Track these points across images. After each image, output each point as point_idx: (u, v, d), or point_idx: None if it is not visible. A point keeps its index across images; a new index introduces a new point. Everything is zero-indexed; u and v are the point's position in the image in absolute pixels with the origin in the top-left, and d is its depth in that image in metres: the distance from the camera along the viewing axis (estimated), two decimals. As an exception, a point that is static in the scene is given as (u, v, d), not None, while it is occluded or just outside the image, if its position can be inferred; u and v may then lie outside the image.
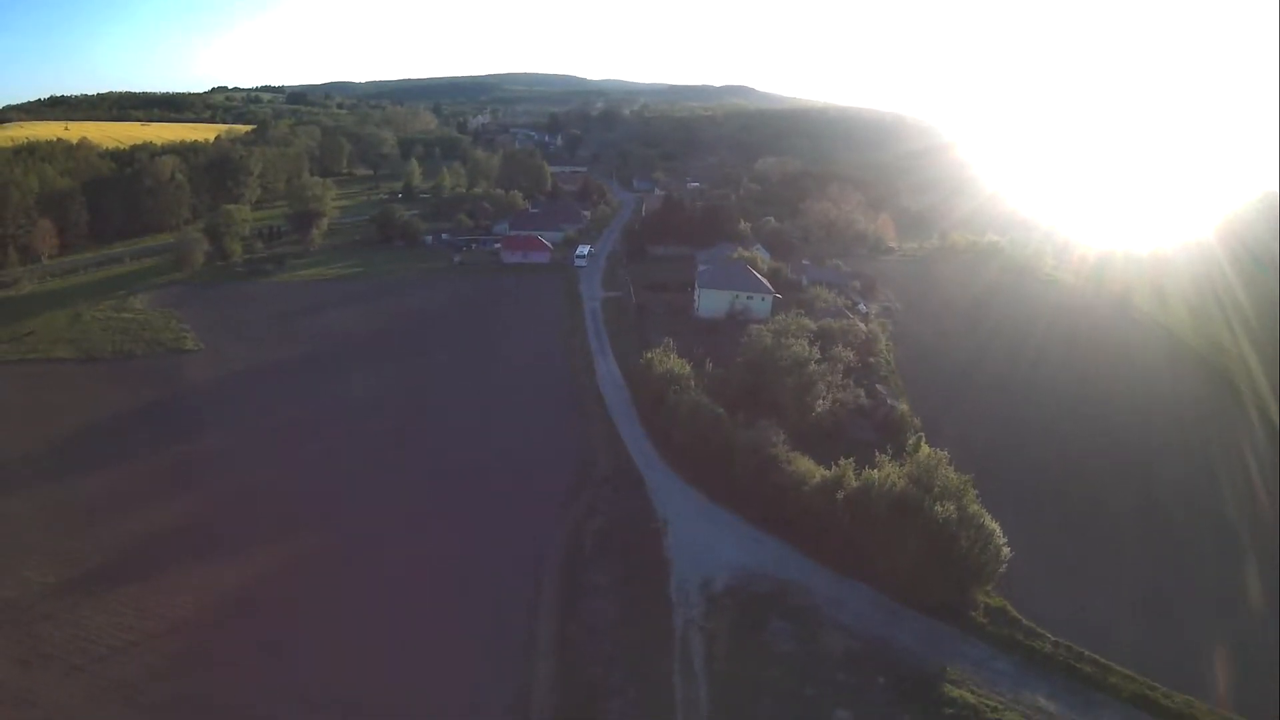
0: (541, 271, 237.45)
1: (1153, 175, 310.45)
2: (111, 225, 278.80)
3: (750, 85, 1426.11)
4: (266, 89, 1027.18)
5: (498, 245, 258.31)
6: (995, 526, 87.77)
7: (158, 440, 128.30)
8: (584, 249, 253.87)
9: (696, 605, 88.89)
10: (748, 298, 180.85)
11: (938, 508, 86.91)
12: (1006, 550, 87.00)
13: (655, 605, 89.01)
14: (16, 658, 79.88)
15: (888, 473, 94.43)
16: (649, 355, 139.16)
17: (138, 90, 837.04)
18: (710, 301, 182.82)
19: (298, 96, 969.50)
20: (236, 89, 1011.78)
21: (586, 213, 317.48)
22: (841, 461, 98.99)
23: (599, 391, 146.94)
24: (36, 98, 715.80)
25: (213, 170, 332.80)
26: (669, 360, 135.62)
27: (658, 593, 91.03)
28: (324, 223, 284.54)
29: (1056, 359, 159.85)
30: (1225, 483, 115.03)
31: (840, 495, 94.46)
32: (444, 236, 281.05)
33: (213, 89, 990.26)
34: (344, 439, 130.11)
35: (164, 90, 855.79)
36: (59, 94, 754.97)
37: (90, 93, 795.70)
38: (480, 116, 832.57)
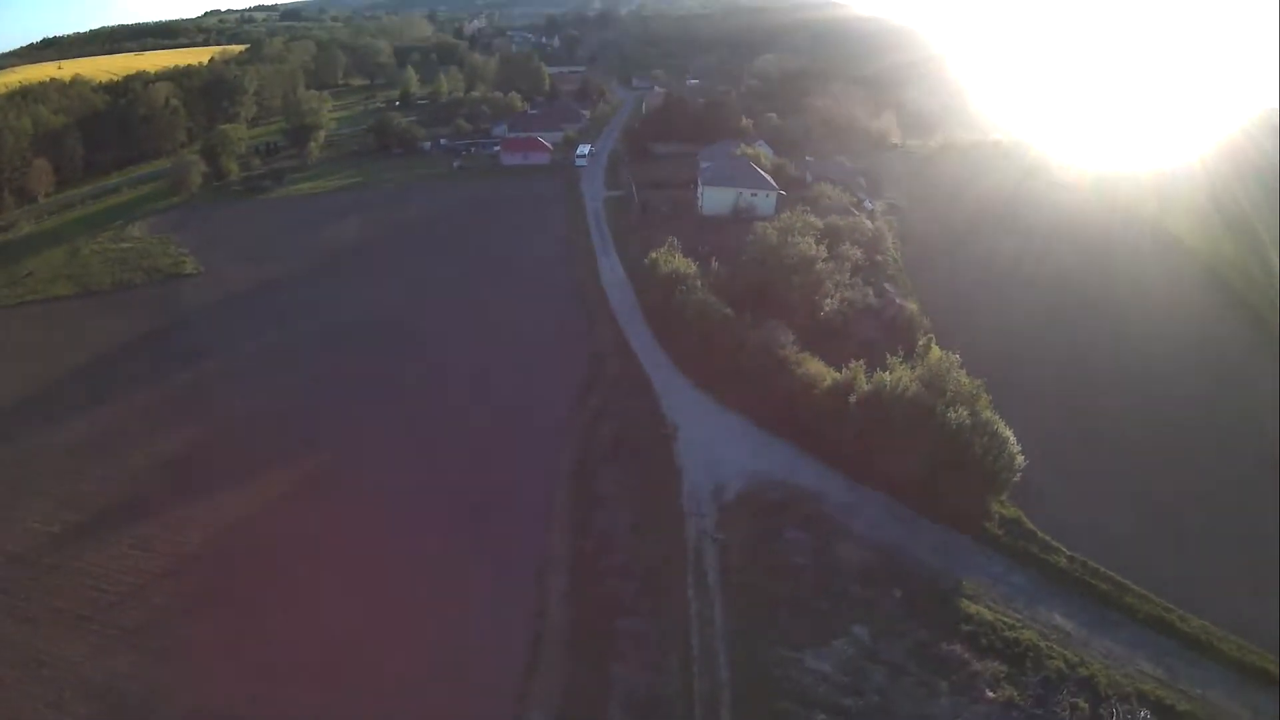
0: (542, 173, 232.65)
1: (1152, 90, 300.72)
2: (108, 157, 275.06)
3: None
4: (260, 8, 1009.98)
5: (497, 148, 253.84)
6: (1009, 434, 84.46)
7: (158, 371, 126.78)
8: (585, 148, 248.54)
9: (709, 515, 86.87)
10: (752, 194, 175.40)
11: (950, 413, 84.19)
12: (1021, 458, 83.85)
13: (667, 515, 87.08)
14: (25, 616, 78.20)
15: (899, 375, 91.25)
16: (654, 255, 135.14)
17: (130, 22, 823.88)
18: (714, 199, 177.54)
19: (292, 13, 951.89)
20: (230, 11, 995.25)
21: (586, 112, 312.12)
22: (853, 364, 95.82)
23: (604, 293, 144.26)
24: (29, 42, 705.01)
25: (208, 93, 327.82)
26: (674, 259, 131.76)
27: (669, 502, 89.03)
28: (321, 136, 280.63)
29: (1066, 261, 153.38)
30: (1236, 398, 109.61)
31: (852, 399, 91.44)
32: (442, 142, 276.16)
33: (206, 13, 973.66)
34: (346, 354, 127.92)
35: (158, 20, 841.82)
36: (51, 35, 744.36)
37: (82, 30, 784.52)
38: (476, 21, 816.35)
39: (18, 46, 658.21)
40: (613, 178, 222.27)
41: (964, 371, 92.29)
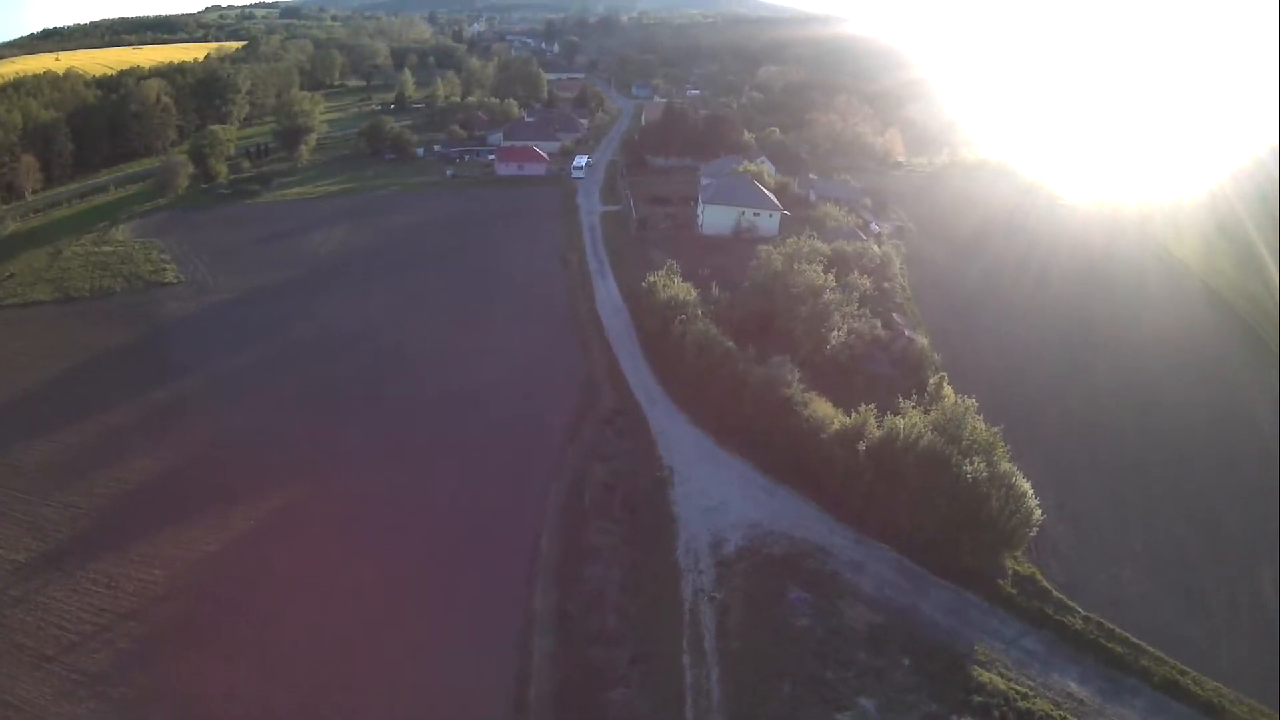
0: (538, 184, 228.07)
1: (1158, 115, 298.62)
2: (98, 154, 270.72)
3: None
4: (261, 4, 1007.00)
5: (492, 157, 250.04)
6: (1027, 487, 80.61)
7: (132, 387, 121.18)
8: (582, 160, 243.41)
9: (707, 571, 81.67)
10: (754, 214, 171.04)
11: (967, 465, 79.71)
12: (1039, 513, 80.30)
13: (662, 571, 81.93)
14: (-12, 652, 73.69)
15: (913, 421, 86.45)
16: (651, 279, 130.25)
17: (130, 15, 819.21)
18: (715, 218, 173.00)
19: (292, 10, 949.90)
20: (230, 7, 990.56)
21: (584, 121, 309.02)
22: (862, 408, 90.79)
23: (598, 316, 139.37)
24: (29, 33, 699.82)
25: (200, 90, 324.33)
26: (673, 285, 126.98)
27: (664, 556, 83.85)
28: (312, 138, 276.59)
29: (1073, 288, 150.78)
30: (1251, 436, 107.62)
31: (862, 447, 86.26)
32: (436, 148, 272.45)
33: (206, 8, 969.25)
34: (325, 376, 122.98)
35: (158, 14, 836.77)
36: (51, 26, 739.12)
37: (83, 22, 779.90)
38: (476, 24, 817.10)
39: (18, 37, 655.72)
40: (610, 191, 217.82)
41: (981, 417, 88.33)
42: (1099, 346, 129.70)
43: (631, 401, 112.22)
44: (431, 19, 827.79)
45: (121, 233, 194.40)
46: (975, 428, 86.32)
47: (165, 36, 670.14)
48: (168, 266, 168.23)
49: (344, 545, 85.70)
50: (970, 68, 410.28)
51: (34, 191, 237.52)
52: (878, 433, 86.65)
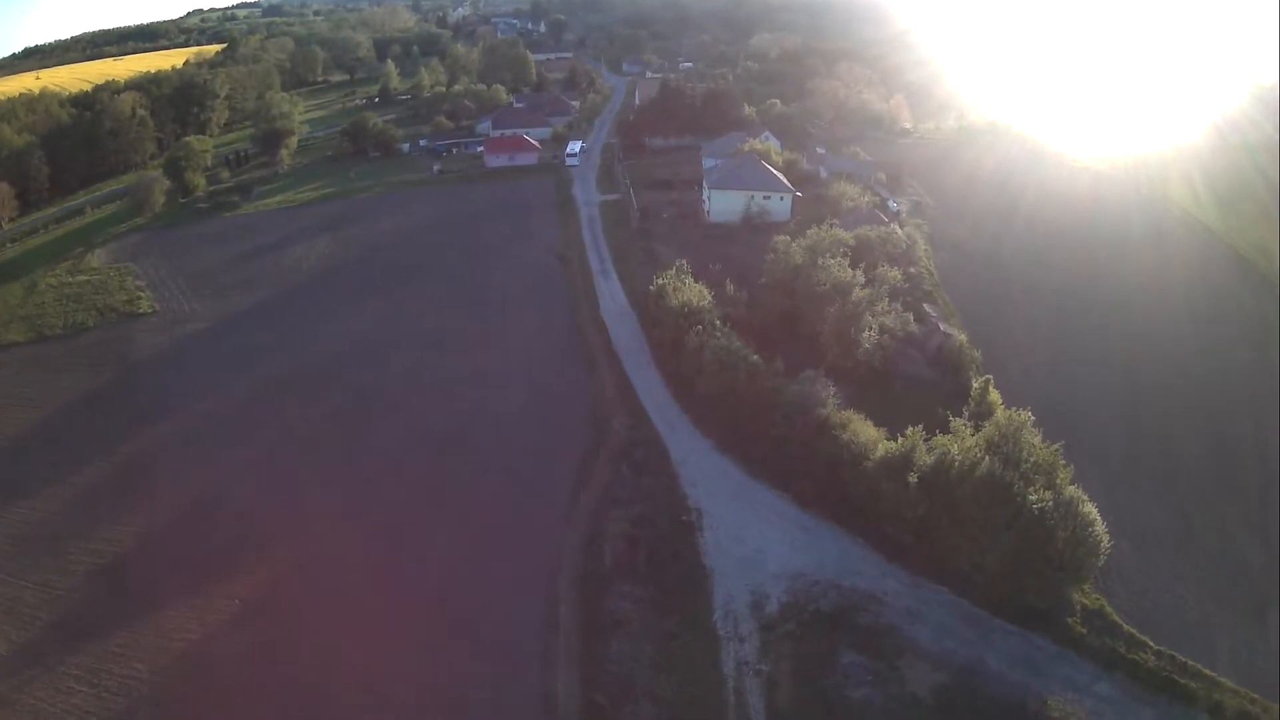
0: (530, 174, 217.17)
1: (1149, 67, 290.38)
2: (75, 174, 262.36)
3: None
4: (243, 5, 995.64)
5: (481, 148, 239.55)
6: (1093, 512, 71.68)
7: (102, 439, 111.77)
8: (575, 145, 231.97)
9: (749, 638, 71.41)
10: (764, 198, 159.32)
11: (1031, 495, 70.41)
12: (1107, 541, 71.64)
13: (698, 642, 71.51)
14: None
15: (967, 445, 76.64)
16: (661, 281, 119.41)
17: (111, 27, 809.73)
18: (722, 204, 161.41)
19: (274, 9, 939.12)
20: (212, 10, 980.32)
21: (575, 103, 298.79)
22: (909, 430, 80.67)
23: (604, 325, 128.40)
24: (11, 52, 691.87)
25: (177, 99, 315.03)
26: (684, 288, 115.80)
27: (700, 622, 73.54)
28: (293, 141, 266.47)
29: (1110, 266, 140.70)
30: None
31: (912, 479, 76.11)
32: (422, 142, 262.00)
33: (188, 13, 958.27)
34: (302, 420, 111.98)
35: (140, 22, 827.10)
36: (33, 44, 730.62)
37: (64, 37, 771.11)
38: (461, 8, 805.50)
39: (1, 58, 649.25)
40: (607, 178, 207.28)
41: (1038, 432, 78.64)
42: (1141, 334, 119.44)
43: (648, 428, 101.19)
44: (415, 6, 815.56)
45: (97, 258, 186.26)
46: (1033, 445, 76.97)
47: (147, 45, 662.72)
48: (142, 295, 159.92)
49: (324, 631, 75.76)
50: (967, 22, 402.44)
51: (10, 220, 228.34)
52: (928, 459, 76.78)
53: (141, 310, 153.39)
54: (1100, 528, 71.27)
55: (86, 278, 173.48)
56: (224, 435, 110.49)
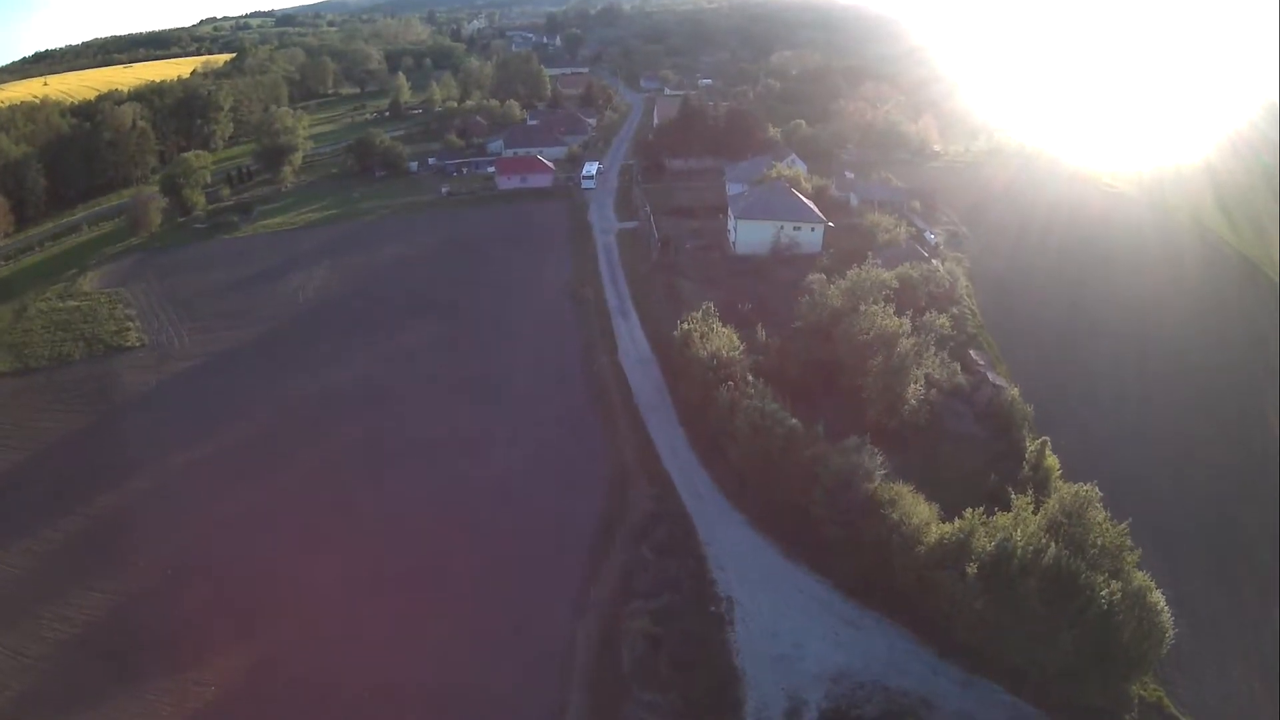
0: (544, 198, 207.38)
1: (1157, 85, 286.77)
2: (73, 188, 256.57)
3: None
4: (257, 14, 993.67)
5: (492, 169, 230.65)
6: (1160, 600, 64.80)
7: (82, 488, 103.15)
8: (592, 167, 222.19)
9: (787, 755, 60.94)
10: (794, 228, 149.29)
11: (1101, 588, 63.30)
12: (1172, 630, 64.49)
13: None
14: None
15: (1030, 530, 67.77)
16: (685, 326, 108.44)
17: (123, 33, 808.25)
18: (750, 234, 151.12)
19: (287, 19, 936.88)
20: (225, 18, 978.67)
21: (591, 121, 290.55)
22: (968, 513, 71.22)
23: (623, 373, 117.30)
24: (21, 57, 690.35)
25: (180, 111, 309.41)
26: (713, 334, 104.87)
27: (731, 740, 62.79)
28: (297, 157, 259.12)
29: (1149, 295, 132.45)
30: None
31: (971, 569, 66.52)
32: (431, 161, 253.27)
33: (201, 21, 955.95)
34: (288, 479, 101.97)
35: (152, 29, 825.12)
36: (44, 49, 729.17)
37: (76, 42, 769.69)
38: (475, 21, 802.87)
39: (11, 61, 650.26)
40: (625, 203, 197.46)
41: (1104, 509, 70.48)
42: (1204, 386, 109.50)
43: (672, 499, 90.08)
44: (430, 18, 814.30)
45: (89, 281, 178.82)
46: (1100, 525, 68.90)
47: (158, 53, 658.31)
48: (131, 325, 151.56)
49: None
50: (978, 38, 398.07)
51: (7, 235, 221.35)
52: (987, 545, 67.59)
53: (129, 344, 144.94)
54: (1166, 616, 64.46)
55: (77, 303, 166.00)
56: (204, 491, 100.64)
